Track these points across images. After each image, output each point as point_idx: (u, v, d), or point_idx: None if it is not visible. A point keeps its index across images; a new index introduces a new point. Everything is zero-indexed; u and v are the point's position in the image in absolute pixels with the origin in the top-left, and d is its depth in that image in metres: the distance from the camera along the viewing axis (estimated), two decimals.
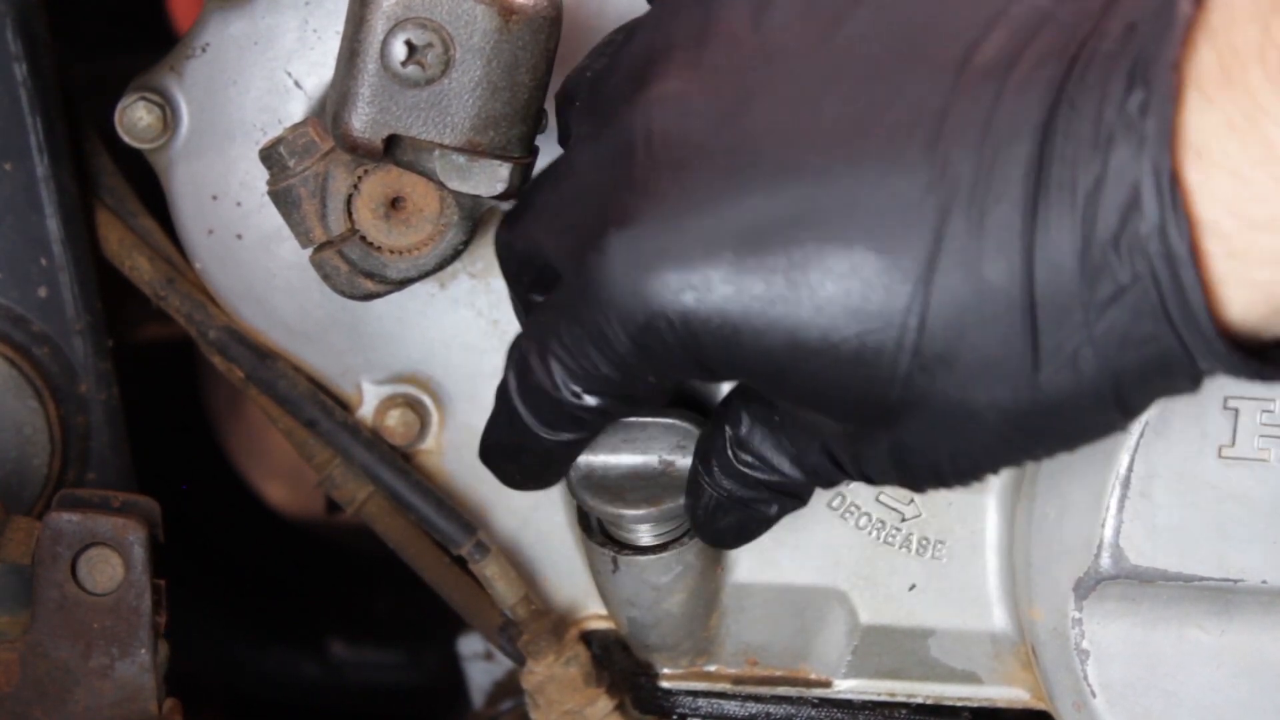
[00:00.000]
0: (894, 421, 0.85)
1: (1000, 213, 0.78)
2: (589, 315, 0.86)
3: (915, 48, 0.82)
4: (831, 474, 0.94)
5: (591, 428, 0.94)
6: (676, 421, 1.06)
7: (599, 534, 1.11)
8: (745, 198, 0.82)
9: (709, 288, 0.83)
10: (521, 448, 0.96)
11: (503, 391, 0.95)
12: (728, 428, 0.97)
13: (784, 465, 0.95)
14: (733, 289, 0.82)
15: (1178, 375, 0.80)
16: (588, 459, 1.05)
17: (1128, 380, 0.80)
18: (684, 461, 1.05)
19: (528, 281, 0.97)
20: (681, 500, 1.04)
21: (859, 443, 0.89)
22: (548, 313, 0.91)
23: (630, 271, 0.84)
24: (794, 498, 0.98)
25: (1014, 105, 0.79)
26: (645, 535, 1.08)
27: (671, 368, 0.87)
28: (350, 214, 1.03)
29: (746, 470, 0.96)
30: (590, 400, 0.90)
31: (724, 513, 0.99)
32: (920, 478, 0.89)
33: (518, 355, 0.93)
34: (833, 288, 0.81)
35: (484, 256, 1.15)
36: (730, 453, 0.97)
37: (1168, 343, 0.78)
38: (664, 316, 0.84)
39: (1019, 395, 0.81)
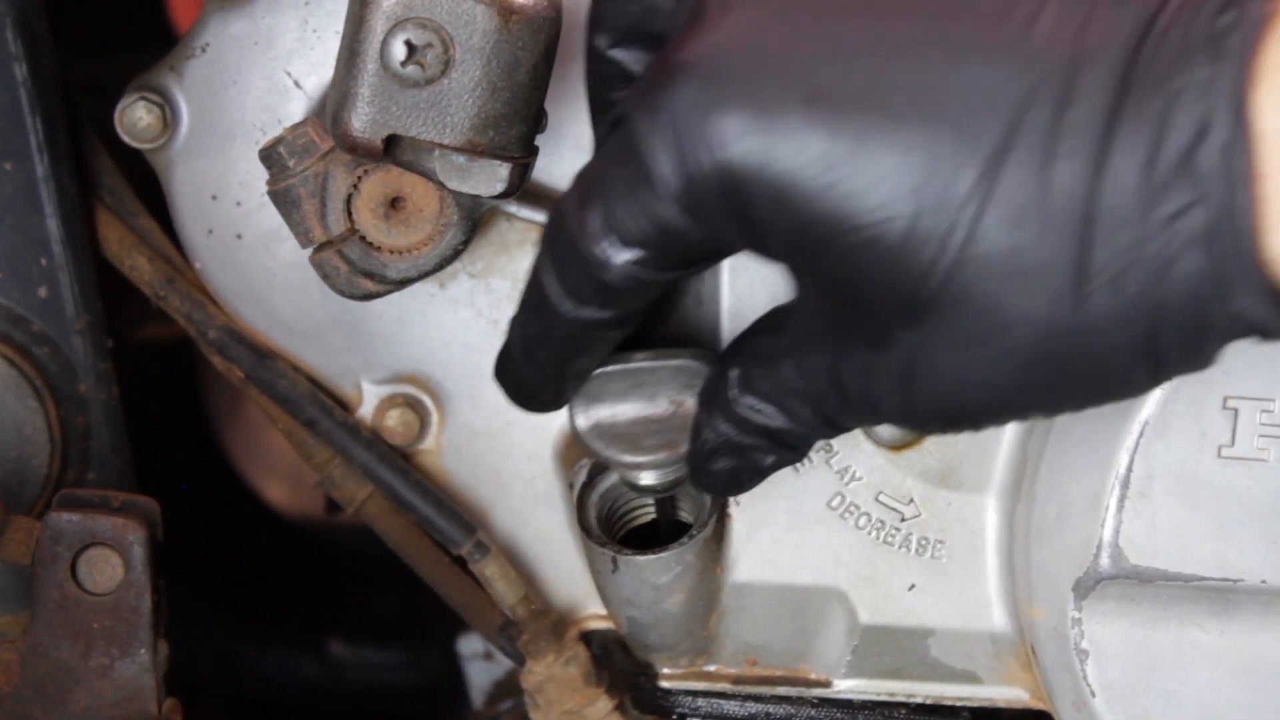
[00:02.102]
0: (918, 321, 0.82)
1: (1079, 114, 0.77)
2: (644, 154, 0.83)
3: None
4: (835, 406, 0.91)
5: (615, 302, 0.90)
6: (685, 362, 1.02)
7: (598, 533, 1.11)
8: (824, 57, 0.81)
9: (772, 137, 0.80)
10: (541, 336, 0.93)
11: (531, 273, 0.91)
12: (734, 368, 0.95)
13: (787, 400, 0.93)
14: (795, 144, 0.80)
15: (1210, 327, 0.78)
16: (595, 408, 1.02)
17: (1164, 318, 0.78)
18: (693, 401, 1.01)
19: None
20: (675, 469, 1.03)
21: (871, 354, 0.86)
22: (597, 160, 0.88)
23: (695, 107, 0.81)
24: (791, 449, 0.96)
25: (1110, 13, 0.78)
26: (652, 478, 1.05)
27: (715, 222, 0.84)
28: (350, 214, 1.03)
29: (747, 414, 0.94)
30: (621, 255, 0.86)
31: (719, 457, 0.97)
32: (927, 405, 0.86)
33: (555, 209, 0.89)
34: (896, 161, 0.79)
35: (484, 256, 1.15)
36: (733, 393, 0.95)
37: (1207, 276, 0.77)
38: (722, 160, 0.81)
39: (1055, 311, 0.79)
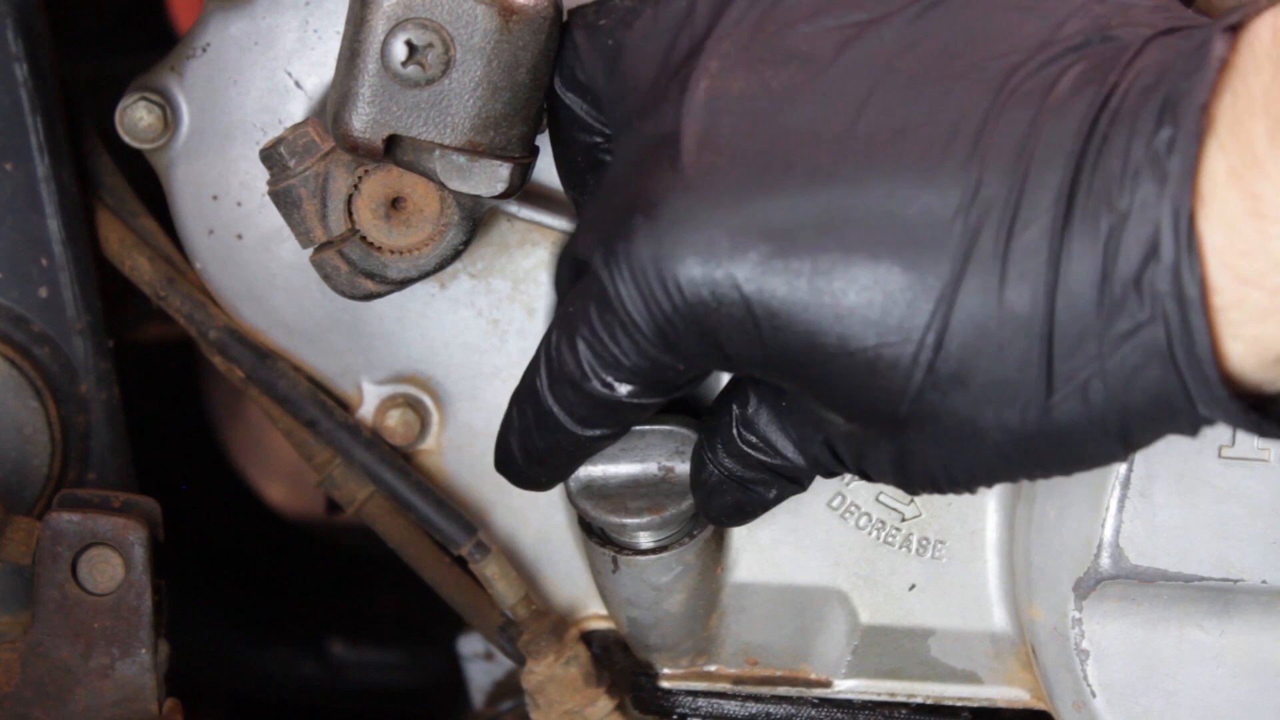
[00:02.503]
0: (900, 430, 0.85)
1: (1028, 238, 0.79)
2: (615, 301, 0.86)
3: (954, 64, 0.83)
4: (832, 466, 0.94)
5: (625, 421, 0.94)
6: (675, 428, 1.06)
7: (599, 534, 1.11)
8: (776, 198, 0.83)
9: (732, 284, 0.83)
10: (552, 448, 0.96)
11: (530, 391, 0.94)
12: (735, 407, 0.97)
13: (787, 450, 0.95)
14: (755, 288, 0.83)
15: (1181, 419, 0.80)
16: (587, 470, 1.05)
17: (1134, 417, 0.80)
18: (683, 467, 1.05)
19: (569, 283, 0.98)
20: (683, 506, 1.05)
21: (862, 443, 0.90)
22: (575, 301, 0.91)
23: (654, 262, 0.84)
24: (794, 482, 0.98)
25: (1049, 130, 0.79)
26: (646, 540, 1.08)
27: (695, 357, 0.88)
28: (350, 214, 1.03)
29: (749, 450, 0.96)
30: (622, 389, 0.90)
31: (724, 491, 0.99)
32: (917, 484, 0.89)
33: (548, 346, 0.93)
34: (855, 298, 0.81)
35: (484, 256, 1.15)
36: (735, 431, 0.97)
37: (1173, 386, 0.78)
38: (686, 305, 0.84)
39: (1027, 419, 0.81)
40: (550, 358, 0.92)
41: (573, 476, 1.05)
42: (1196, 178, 0.76)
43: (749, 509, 1.00)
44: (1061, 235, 0.78)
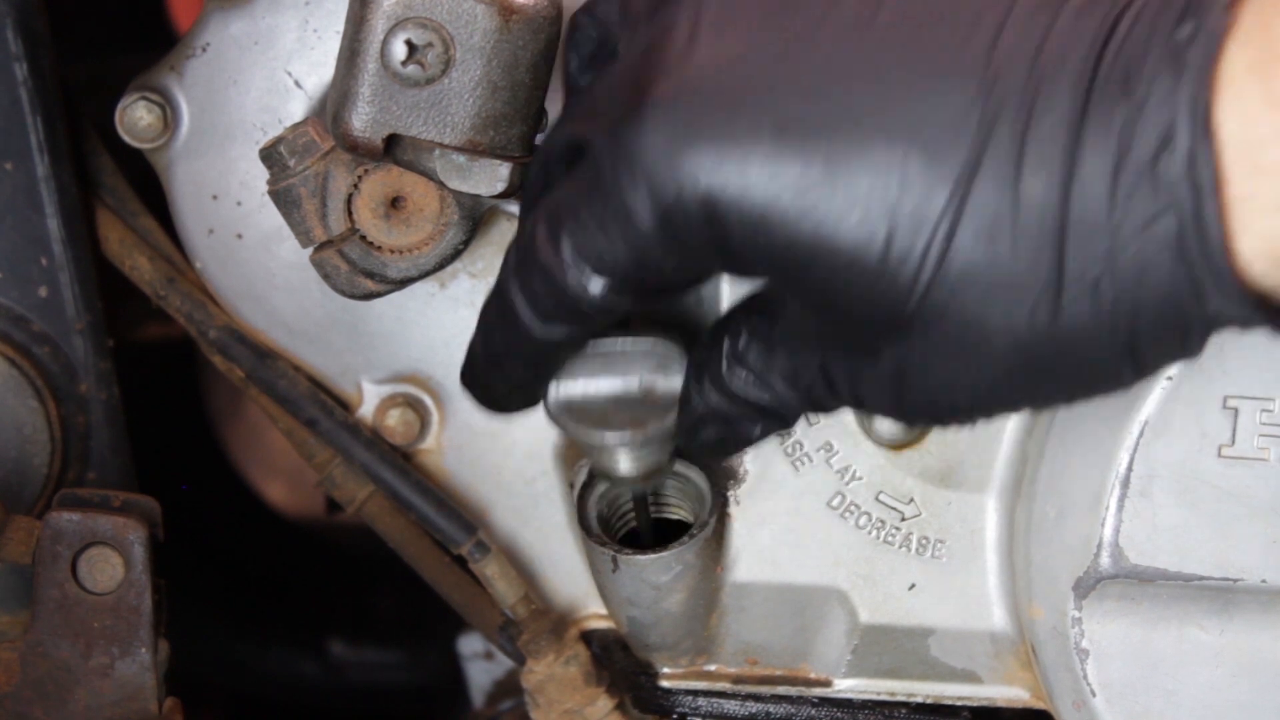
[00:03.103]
0: (902, 336, 0.84)
1: (1045, 128, 0.78)
2: (615, 188, 0.84)
3: None
4: (825, 397, 0.92)
5: (587, 324, 0.91)
6: (657, 344, 1.01)
7: (599, 533, 1.11)
8: (793, 86, 0.82)
9: (745, 167, 0.81)
10: (508, 351, 0.94)
11: (497, 288, 0.92)
12: (726, 340, 0.95)
13: (777, 384, 0.94)
14: (768, 172, 0.81)
15: (1191, 329, 0.80)
16: (566, 386, 1.00)
17: (1143, 323, 0.80)
18: (665, 383, 1.01)
19: (552, 174, 0.94)
20: (665, 422, 1.00)
21: (860, 360, 0.88)
22: (567, 188, 0.88)
23: (666, 143, 0.82)
24: (779, 419, 0.96)
25: (1069, 27, 0.79)
26: (626, 462, 1.03)
27: (693, 251, 0.85)
28: (350, 213, 1.04)
29: (738, 385, 0.95)
30: (596, 285, 0.87)
31: (707, 426, 0.97)
32: (916, 409, 0.88)
33: (521, 234, 0.90)
34: (869, 183, 0.80)
35: (484, 256, 1.15)
36: (724, 364, 0.95)
37: (1183, 282, 0.78)
38: (695, 193, 0.82)
39: (1035, 320, 0.80)
40: (524, 247, 0.89)
41: (552, 396, 1.00)
42: (1215, 69, 0.76)
43: (731, 444, 0.98)
44: (1079, 125, 0.78)
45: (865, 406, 0.90)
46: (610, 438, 0.99)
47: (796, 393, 0.93)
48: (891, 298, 0.82)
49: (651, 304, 0.91)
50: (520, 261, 0.90)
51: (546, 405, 1.00)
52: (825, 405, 0.94)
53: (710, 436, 0.98)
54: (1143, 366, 0.82)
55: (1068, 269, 0.79)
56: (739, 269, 0.87)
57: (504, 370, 0.96)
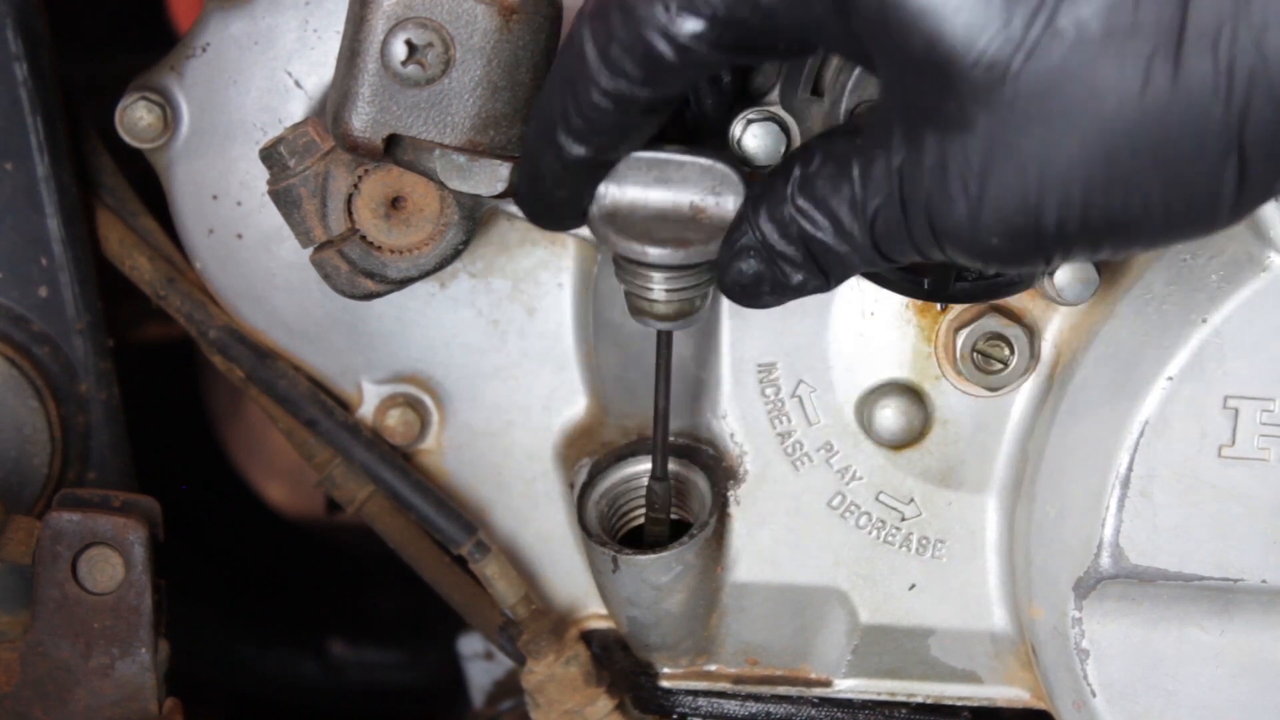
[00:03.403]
0: (1001, 102, 0.79)
1: None
2: None
3: None
4: (892, 222, 0.86)
5: (659, 82, 0.84)
6: (716, 163, 0.95)
7: (599, 533, 1.11)
8: None
9: None
10: (566, 114, 0.87)
11: (564, 43, 0.86)
12: (797, 167, 0.90)
13: (842, 210, 0.87)
14: None
15: None
16: (616, 192, 0.95)
17: (1258, 91, 0.76)
18: (716, 209, 0.95)
19: None
20: (708, 247, 0.94)
21: (946, 147, 0.81)
22: None
23: None
24: (822, 274, 0.91)
25: None
26: (659, 288, 0.97)
27: None
28: (350, 214, 1.04)
29: (795, 216, 0.89)
30: (689, 25, 0.81)
31: (748, 256, 0.92)
32: (996, 213, 0.81)
33: None
34: None
35: (484, 256, 1.15)
36: (789, 192, 0.89)
37: None
38: None
39: (1150, 78, 0.76)
40: None
41: (597, 200, 0.95)
42: None
43: (766, 285, 0.92)
44: None
45: (936, 223, 0.84)
46: (652, 253, 0.95)
47: (860, 222, 0.87)
48: (998, 53, 0.78)
49: (742, 60, 0.85)
50: (598, 3, 0.84)
51: (589, 213, 0.95)
52: (889, 236, 0.87)
53: (748, 270, 0.92)
54: (1243, 174, 0.78)
55: (1190, 21, 0.76)
56: (844, 19, 0.82)
57: (556, 143, 0.90)
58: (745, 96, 1.03)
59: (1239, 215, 0.80)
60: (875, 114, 0.87)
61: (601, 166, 0.93)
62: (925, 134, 0.82)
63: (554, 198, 0.94)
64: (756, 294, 0.92)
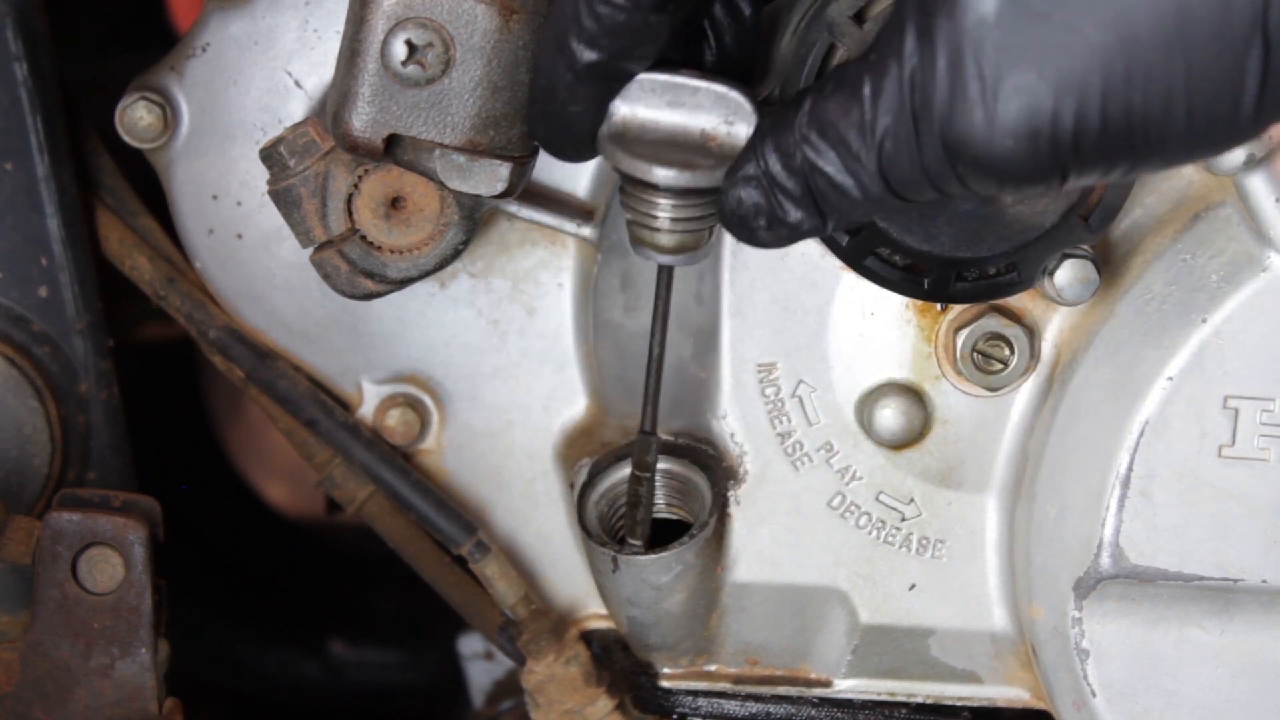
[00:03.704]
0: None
1: None
2: None
3: None
4: (904, 144, 0.83)
5: None
6: (730, 91, 0.94)
7: (599, 533, 1.11)
8: None
9: None
10: (582, 11, 0.87)
11: None
12: (809, 96, 0.88)
13: (851, 135, 0.85)
14: None
15: None
16: (626, 110, 0.94)
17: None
18: (727, 137, 0.94)
19: None
20: (715, 175, 0.93)
21: (962, 38, 0.79)
22: None
23: None
24: (819, 215, 0.89)
25: None
26: (664, 214, 0.95)
27: None
28: (350, 214, 1.04)
29: (802, 147, 0.88)
30: None
31: (750, 187, 0.90)
32: (1015, 112, 0.79)
33: None
34: None
35: (484, 256, 1.15)
36: (797, 121, 0.88)
37: None
38: None
39: None
40: None
41: (609, 118, 0.94)
42: None
43: (763, 220, 0.91)
44: None
45: (951, 131, 0.81)
46: (658, 174, 0.93)
47: (868, 146, 0.85)
48: None
49: None
50: None
51: (600, 137, 0.95)
52: (897, 162, 0.85)
53: (747, 200, 0.91)
54: (1269, 67, 0.76)
55: None
56: None
57: (572, 61, 0.90)
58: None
59: (1261, 117, 0.78)
60: (889, 22, 0.85)
61: (614, 79, 0.92)
62: (939, 31, 0.80)
63: (567, 114, 0.93)
64: (752, 227, 0.91)
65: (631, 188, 0.95)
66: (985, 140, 0.80)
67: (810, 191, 0.89)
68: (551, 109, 0.93)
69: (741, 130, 0.94)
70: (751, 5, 0.97)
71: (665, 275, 1.02)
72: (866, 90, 0.85)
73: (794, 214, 0.90)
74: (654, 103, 0.94)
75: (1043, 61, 0.78)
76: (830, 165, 0.87)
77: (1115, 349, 1.07)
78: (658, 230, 0.95)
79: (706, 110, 0.94)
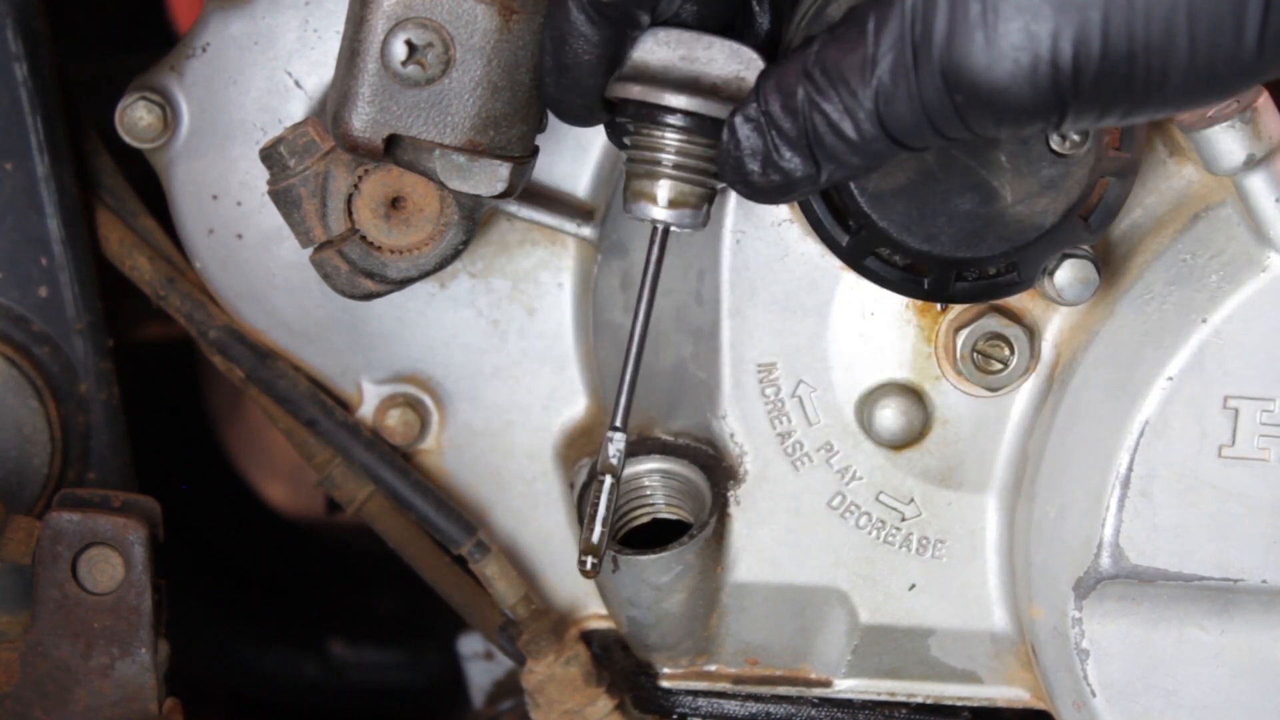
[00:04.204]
0: None
1: None
2: None
3: None
4: (903, 80, 0.83)
5: None
6: (744, 47, 0.95)
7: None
8: None
9: None
10: None
11: None
12: (817, 40, 0.88)
13: (851, 72, 0.85)
14: None
15: None
16: (641, 56, 0.94)
17: None
18: (738, 90, 0.95)
19: None
20: (721, 108, 0.94)
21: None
22: None
23: None
24: (813, 161, 0.89)
25: None
26: (666, 164, 0.95)
27: None
28: (350, 214, 1.04)
29: (800, 84, 0.88)
30: None
31: (746, 125, 0.90)
32: (1015, 35, 0.79)
33: None
34: None
35: (484, 256, 1.15)
36: (800, 63, 0.88)
37: None
38: None
39: None
40: None
41: (619, 70, 0.95)
42: None
43: (755, 163, 0.91)
44: None
45: (948, 68, 0.82)
46: (668, 98, 0.94)
47: (866, 83, 0.85)
48: None
49: None
50: None
51: (613, 87, 0.95)
52: (892, 104, 0.85)
53: (744, 139, 0.91)
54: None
55: None
56: None
57: (584, 2, 0.91)
58: None
59: (1265, 53, 0.77)
60: None
61: (626, 24, 0.93)
62: None
63: (580, 64, 0.93)
64: (747, 170, 0.91)
65: (638, 126, 0.95)
66: (984, 66, 0.80)
67: (806, 135, 0.88)
68: (562, 59, 0.93)
69: (751, 80, 0.94)
70: None
71: (660, 239, 1.00)
72: (871, 25, 0.85)
73: (788, 157, 0.90)
74: (666, 55, 0.95)
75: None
76: (828, 103, 0.87)
77: (1115, 349, 1.07)
78: (659, 177, 0.95)
79: (719, 64, 0.95)
